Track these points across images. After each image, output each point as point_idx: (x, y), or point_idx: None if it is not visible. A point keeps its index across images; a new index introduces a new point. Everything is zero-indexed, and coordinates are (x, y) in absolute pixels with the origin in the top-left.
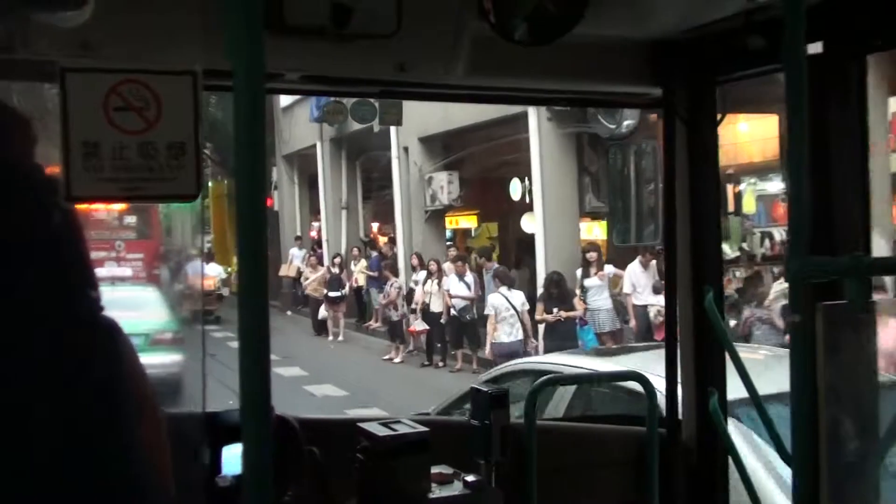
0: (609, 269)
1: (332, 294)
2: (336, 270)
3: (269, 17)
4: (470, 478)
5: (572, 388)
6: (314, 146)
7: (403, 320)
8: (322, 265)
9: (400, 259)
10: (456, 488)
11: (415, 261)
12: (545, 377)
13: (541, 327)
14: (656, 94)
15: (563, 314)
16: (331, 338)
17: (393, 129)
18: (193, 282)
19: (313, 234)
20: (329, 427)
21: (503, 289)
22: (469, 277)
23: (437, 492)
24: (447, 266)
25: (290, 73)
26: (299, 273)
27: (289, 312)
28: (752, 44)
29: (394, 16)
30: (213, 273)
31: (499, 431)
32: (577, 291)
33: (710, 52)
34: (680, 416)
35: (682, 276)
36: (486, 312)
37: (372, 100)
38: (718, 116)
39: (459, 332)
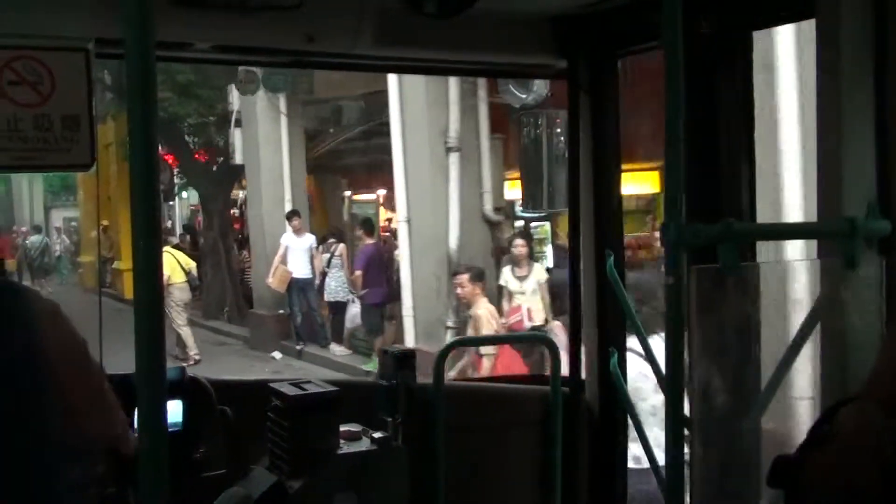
0: None
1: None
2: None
3: None
4: (377, 434)
5: None
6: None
7: None
8: None
9: None
10: (363, 444)
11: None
12: (454, 339)
13: None
14: (561, 66)
15: None
16: None
17: None
18: None
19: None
20: (242, 388)
21: None
22: None
23: (345, 448)
24: None
25: (200, 44)
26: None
27: (277, 355)
28: (648, 18)
29: None
30: None
31: (404, 390)
32: None
33: (610, 25)
34: (583, 376)
35: (585, 241)
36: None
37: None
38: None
39: None
